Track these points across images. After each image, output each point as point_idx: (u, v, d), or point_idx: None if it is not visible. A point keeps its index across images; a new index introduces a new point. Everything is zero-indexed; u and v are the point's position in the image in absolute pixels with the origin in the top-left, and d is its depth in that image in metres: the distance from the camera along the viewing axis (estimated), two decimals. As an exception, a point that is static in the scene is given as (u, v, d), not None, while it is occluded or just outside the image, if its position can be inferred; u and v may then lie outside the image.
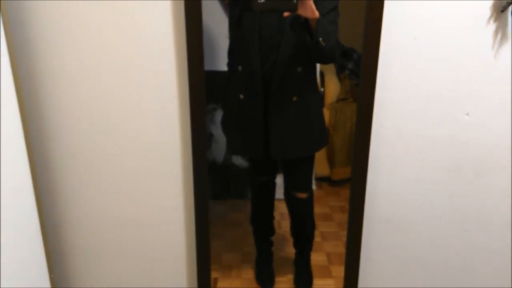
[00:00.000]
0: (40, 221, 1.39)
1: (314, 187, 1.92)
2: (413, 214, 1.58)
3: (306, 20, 1.32)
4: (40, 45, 1.36)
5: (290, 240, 1.83)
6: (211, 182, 1.57)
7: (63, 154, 1.48)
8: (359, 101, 1.41)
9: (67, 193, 1.52)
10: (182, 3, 1.30)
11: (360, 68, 1.39)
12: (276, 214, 1.85)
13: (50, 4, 1.33)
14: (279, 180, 1.79)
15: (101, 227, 1.57)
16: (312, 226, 1.77)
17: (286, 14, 1.31)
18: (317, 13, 1.28)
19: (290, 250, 1.84)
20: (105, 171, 1.51)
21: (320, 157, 1.92)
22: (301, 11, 1.27)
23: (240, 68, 1.52)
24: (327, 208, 1.92)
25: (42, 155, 1.47)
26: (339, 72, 1.99)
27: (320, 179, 1.98)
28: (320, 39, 1.32)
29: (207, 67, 1.44)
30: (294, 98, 1.52)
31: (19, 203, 1.29)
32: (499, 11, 1.35)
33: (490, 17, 1.36)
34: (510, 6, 1.32)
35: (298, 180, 1.69)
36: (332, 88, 1.93)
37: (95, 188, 1.52)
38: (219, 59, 1.66)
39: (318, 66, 1.68)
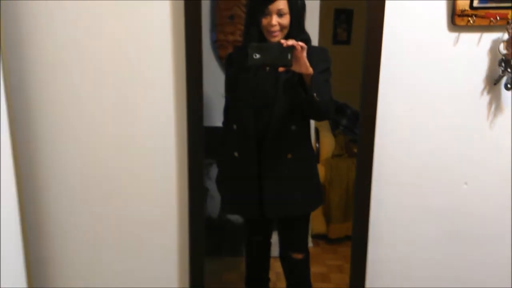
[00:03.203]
0: (22, 224, 1.36)
1: (310, 244, 1.87)
2: (415, 282, 1.56)
3: (300, 76, 1.35)
4: (30, 46, 1.35)
5: (287, 302, 1.76)
6: (205, 238, 1.53)
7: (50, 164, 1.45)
8: (357, 174, 1.43)
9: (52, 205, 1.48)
10: (183, 57, 1.35)
11: (354, 123, 1.41)
12: (272, 274, 1.79)
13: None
14: (275, 238, 1.74)
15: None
16: (309, 289, 1.71)
17: (281, 69, 1.34)
18: (311, 69, 1.31)
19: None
20: (102, 235, 1.49)
21: (316, 213, 1.89)
22: (295, 67, 1.29)
23: (234, 126, 1.54)
24: (324, 268, 1.86)
25: (29, 160, 1.43)
26: (334, 128, 2.00)
27: (316, 237, 1.94)
28: (314, 94, 1.34)
29: (204, 123, 1.46)
30: (289, 156, 1.52)
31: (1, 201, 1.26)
32: (492, 83, 1.40)
33: (483, 89, 1.41)
34: (503, 79, 1.37)
35: (294, 240, 1.66)
36: (327, 144, 1.94)
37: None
38: (215, 115, 1.68)
39: (312, 123, 1.70)
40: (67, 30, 1.35)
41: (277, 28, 1.39)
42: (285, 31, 1.41)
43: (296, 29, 1.42)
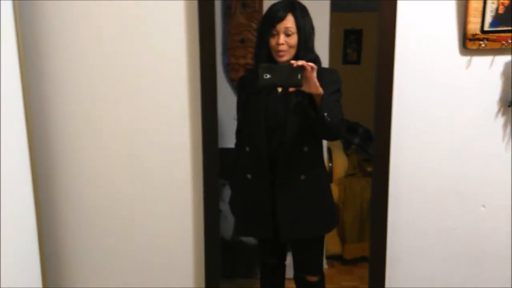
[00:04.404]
0: (38, 225, 1.36)
1: (325, 265, 1.84)
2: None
3: (310, 97, 1.36)
4: (48, 48, 1.38)
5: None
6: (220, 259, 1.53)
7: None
8: (373, 195, 1.42)
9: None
10: (198, 81, 1.38)
11: (366, 142, 1.40)
12: (287, 296, 1.76)
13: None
14: (289, 259, 1.72)
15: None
16: (324, 312, 1.67)
17: (291, 89, 1.35)
18: (321, 90, 1.31)
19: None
20: (117, 256, 1.50)
21: (331, 234, 1.86)
22: (305, 87, 1.30)
23: (247, 148, 1.54)
24: (339, 289, 1.83)
25: (46, 163, 1.45)
26: (346, 147, 2.00)
27: (331, 258, 1.91)
28: (325, 114, 1.34)
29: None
30: (302, 177, 1.51)
31: (17, 202, 1.27)
32: (506, 105, 1.39)
33: (498, 111, 1.40)
34: None
35: (308, 262, 1.63)
36: (340, 163, 1.93)
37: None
38: (227, 137, 1.70)
39: (325, 143, 1.70)
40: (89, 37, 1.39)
41: (284, 47, 1.41)
42: (293, 51, 1.43)
43: (304, 49, 1.43)
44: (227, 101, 1.72)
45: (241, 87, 1.59)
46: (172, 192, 1.46)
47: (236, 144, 1.61)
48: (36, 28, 1.37)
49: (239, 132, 1.61)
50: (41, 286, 1.37)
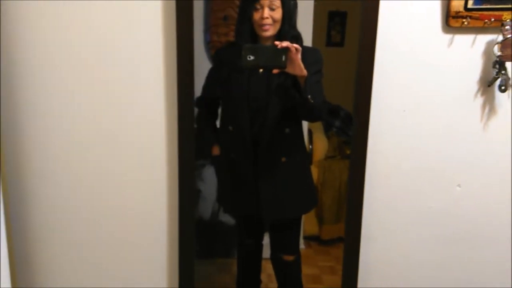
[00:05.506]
0: (6, 224, 1.32)
1: (302, 246, 1.87)
2: (407, 284, 1.56)
3: (293, 78, 1.34)
4: (17, 44, 1.33)
5: (279, 304, 1.75)
6: (196, 240, 1.52)
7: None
8: (350, 175, 1.43)
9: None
10: (174, 57, 1.33)
11: (347, 125, 1.41)
12: (263, 276, 1.78)
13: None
14: (266, 240, 1.74)
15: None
16: (300, 291, 1.70)
17: (275, 71, 1.33)
18: (305, 71, 1.30)
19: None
20: (89, 236, 1.47)
21: (309, 215, 1.88)
22: (290, 69, 1.29)
23: (231, 128, 1.53)
24: (316, 269, 1.86)
25: (15, 158, 1.41)
26: (327, 129, 2.00)
27: (308, 238, 1.93)
28: (309, 96, 1.33)
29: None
30: (283, 159, 1.52)
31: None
32: (486, 85, 1.40)
33: (477, 91, 1.41)
34: (497, 81, 1.37)
35: (285, 241, 1.65)
36: (320, 146, 1.93)
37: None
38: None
39: (306, 124, 1.70)
40: (56, 28, 1.34)
41: (269, 21, 1.38)
42: (277, 26, 1.40)
43: (288, 23, 1.41)
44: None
45: (217, 60, 1.57)
46: (146, 172, 1.44)
47: (220, 123, 1.59)
48: (5, 25, 1.32)
49: (222, 111, 1.58)
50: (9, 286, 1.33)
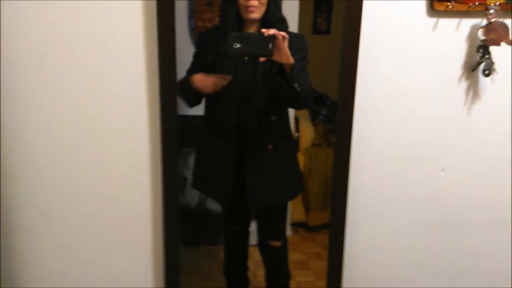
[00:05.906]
0: None
1: (289, 232, 1.88)
2: (392, 269, 1.57)
3: (280, 66, 1.34)
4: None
5: (266, 290, 1.76)
6: (183, 228, 1.52)
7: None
8: (335, 162, 1.43)
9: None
10: (155, 43, 1.31)
11: (333, 113, 1.41)
12: (251, 262, 1.79)
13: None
14: (253, 226, 1.75)
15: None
16: (287, 277, 1.72)
17: (262, 59, 1.32)
18: (292, 59, 1.30)
19: (266, 301, 1.76)
20: (72, 224, 1.45)
21: (296, 202, 1.90)
22: (276, 57, 1.28)
23: (216, 115, 1.52)
24: (303, 255, 1.88)
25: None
26: (313, 117, 2.01)
27: (295, 225, 1.95)
28: (296, 84, 1.33)
29: (182, 111, 1.44)
30: (269, 147, 1.51)
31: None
32: (470, 69, 1.41)
33: (461, 76, 1.42)
34: (481, 65, 1.38)
35: (272, 228, 1.66)
36: (306, 133, 1.94)
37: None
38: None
39: (292, 112, 1.70)
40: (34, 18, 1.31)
41: (255, 3, 1.36)
42: (263, 9, 1.38)
43: (274, 6, 1.40)
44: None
45: (202, 45, 1.55)
46: (129, 159, 1.42)
47: (205, 110, 1.57)
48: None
49: (207, 98, 1.54)
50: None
